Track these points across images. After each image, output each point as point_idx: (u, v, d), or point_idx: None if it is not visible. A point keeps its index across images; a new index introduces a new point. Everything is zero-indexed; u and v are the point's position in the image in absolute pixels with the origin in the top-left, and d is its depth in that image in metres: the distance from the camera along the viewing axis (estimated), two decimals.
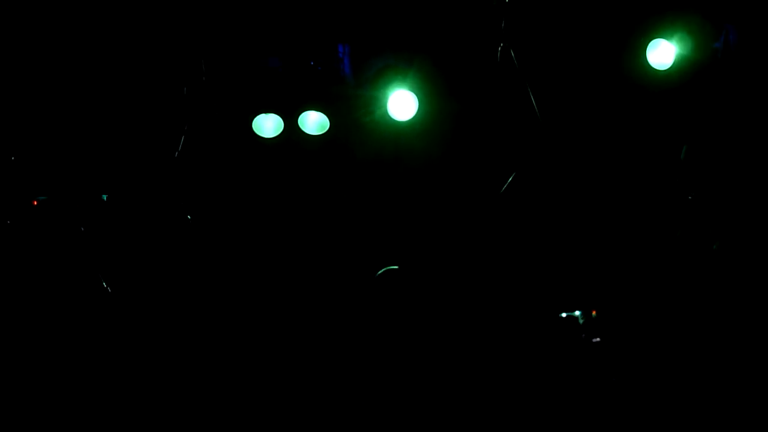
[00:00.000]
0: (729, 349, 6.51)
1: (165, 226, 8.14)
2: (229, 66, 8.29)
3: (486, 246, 8.01)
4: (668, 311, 6.96)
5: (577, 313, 7.11)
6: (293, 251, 8.42)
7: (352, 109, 8.29)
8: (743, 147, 6.93)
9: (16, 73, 8.21)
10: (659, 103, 7.97)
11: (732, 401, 6.52)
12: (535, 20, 7.94)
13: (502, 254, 7.94)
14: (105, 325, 7.60)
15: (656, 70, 7.81)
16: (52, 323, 7.58)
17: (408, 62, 8.12)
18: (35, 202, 8.08)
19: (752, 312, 6.40)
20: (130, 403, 7.36)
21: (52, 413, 7.27)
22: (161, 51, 8.24)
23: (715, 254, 6.32)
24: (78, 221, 8.00)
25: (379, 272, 7.03)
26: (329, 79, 8.29)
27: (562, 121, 8.01)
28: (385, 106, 8.10)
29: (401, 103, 8.11)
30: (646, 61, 7.80)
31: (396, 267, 7.03)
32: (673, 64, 7.77)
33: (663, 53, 7.78)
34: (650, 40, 7.77)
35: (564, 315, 7.17)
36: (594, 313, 7.09)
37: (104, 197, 8.21)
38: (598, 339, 7.01)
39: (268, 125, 8.33)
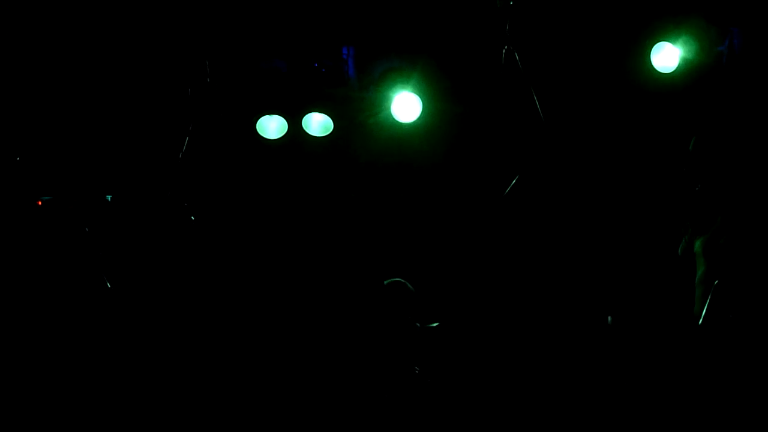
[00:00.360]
0: (736, 346, 6.52)
1: (169, 226, 8.15)
2: (233, 67, 8.30)
3: (490, 249, 8.01)
4: (680, 310, 6.96)
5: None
6: (297, 253, 8.43)
7: (356, 111, 8.30)
8: (747, 151, 6.92)
9: (21, 74, 8.24)
10: (663, 107, 7.97)
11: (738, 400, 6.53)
12: (539, 23, 7.93)
13: (507, 257, 7.94)
14: (108, 325, 7.61)
15: (660, 73, 7.80)
16: (56, 323, 7.60)
17: (412, 64, 8.13)
18: (39, 203, 8.10)
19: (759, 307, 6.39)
20: (133, 403, 7.38)
21: (53, 413, 7.29)
22: (166, 52, 8.26)
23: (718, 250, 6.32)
24: (82, 222, 8.02)
25: (387, 281, 7.03)
26: (333, 81, 8.31)
27: (565, 124, 8.00)
28: (389, 108, 8.10)
29: (405, 106, 8.11)
30: (651, 65, 7.78)
31: (402, 281, 7.02)
32: (678, 67, 7.76)
33: (667, 56, 7.77)
34: (654, 44, 7.76)
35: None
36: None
37: (108, 198, 8.24)
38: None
39: (272, 127, 8.34)
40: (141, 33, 8.19)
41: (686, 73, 7.77)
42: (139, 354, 7.52)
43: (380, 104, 8.16)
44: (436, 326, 7.04)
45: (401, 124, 8.16)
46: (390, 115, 8.13)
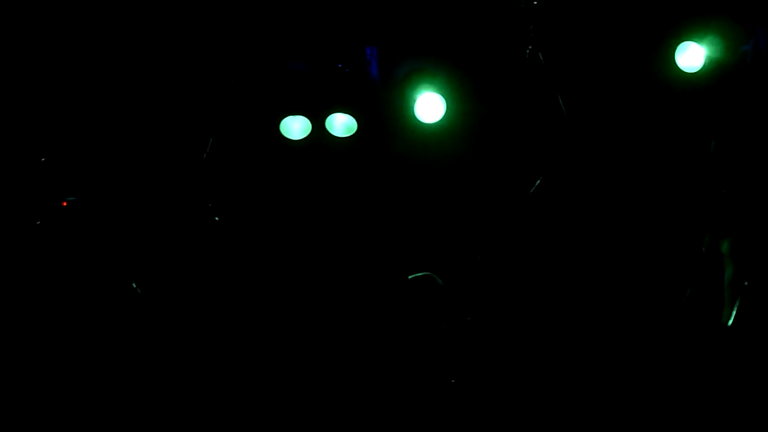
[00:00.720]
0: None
1: (193, 227, 8.17)
2: (256, 68, 8.31)
3: (514, 249, 8.00)
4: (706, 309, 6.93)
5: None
6: (321, 253, 8.43)
7: (379, 112, 8.29)
8: None
9: (47, 76, 8.27)
10: (688, 106, 7.94)
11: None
12: (563, 23, 7.92)
13: (531, 257, 7.93)
14: (132, 325, 7.63)
15: (685, 72, 7.77)
16: (80, 323, 7.63)
17: (435, 65, 8.12)
18: (65, 203, 8.12)
19: None
20: (159, 399, 7.40)
21: (76, 405, 7.31)
22: (190, 54, 8.27)
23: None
24: (106, 222, 8.05)
25: (412, 276, 7.02)
26: (357, 82, 8.30)
27: (590, 123, 7.98)
28: (412, 108, 8.10)
29: (429, 106, 8.10)
30: (675, 64, 7.76)
31: (428, 274, 7.01)
32: (702, 67, 7.73)
33: (692, 56, 7.74)
34: (679, 43, 7.73)
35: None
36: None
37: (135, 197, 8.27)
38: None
39: (295, 127, 8.34)
40: (166, 35, 8.21)
41: (711, 72, 7.74)
42: (162, 351, 7.54)
43: (403, 104, 8.16)
44: (463, 324, 7.04)
45: (425, 124, 8.15)
46: (414, 115, 8.13)
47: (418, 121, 8.13)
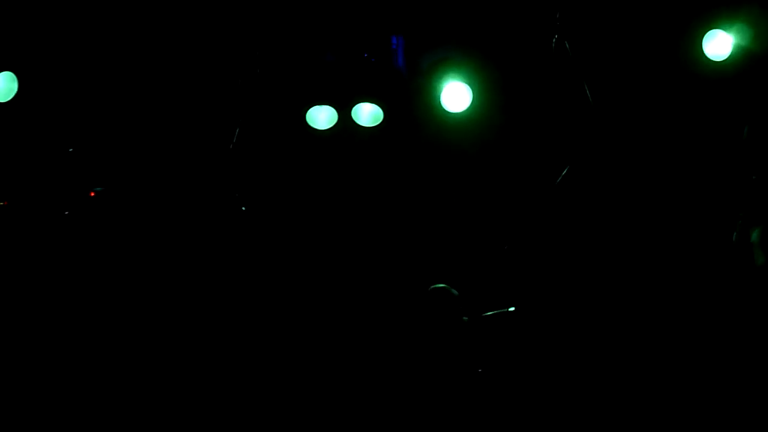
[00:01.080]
0: None
1: (220, 217, 8.19)
2: (283, 58, 8.32)
3: (541, 239, 7.97)
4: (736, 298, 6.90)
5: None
6: (348, 243, 8.45)
7: (405, 101, 8.29)
8: None
9: (75, 65, 8.31)
10: (716, 95, 7.89)
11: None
12: (590, 11, 7.88)
13: (558, 247, 7.90)
14: (160, 313, 7.67)
15: (713, 61, 7.72)
16: (110, 311, 7.67)
17: (461, 54, 8.11)
18: (92, 194, 8.17)
19: None
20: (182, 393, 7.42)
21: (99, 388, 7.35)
22: (217, 44, 8.29)
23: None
24: (133, 213, 8.09)
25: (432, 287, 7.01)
26: (383, 71, 8.30)
27: (617, 112, 7.95)
28: (438, 97, 8.09)
29: (455, 95, 8.10)
30: (703, 53, 7.71)
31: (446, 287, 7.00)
32: (731, 55, 7.68)
33: (720, 44, 7.70)
34: (707, 31, 7.69)
35: None
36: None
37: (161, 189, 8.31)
38: None
39: (321, 117, 8.35)
40: (193, 25, 8.23)
41: (739, 60, 7.69)
42: (192, 341, 7.57)
43: (430, 94, 8.15)
44: (488, 316, 7.02)
45: (451, 113, 8.15)
46: (440, 104, 8.12)
47: (445, 110, 8.13)
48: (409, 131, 8.39)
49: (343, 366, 7.67)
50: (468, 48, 8.14)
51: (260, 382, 7.53)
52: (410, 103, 8.30)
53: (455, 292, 6.89)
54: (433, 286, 6.98)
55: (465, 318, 6.87)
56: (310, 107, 8.32)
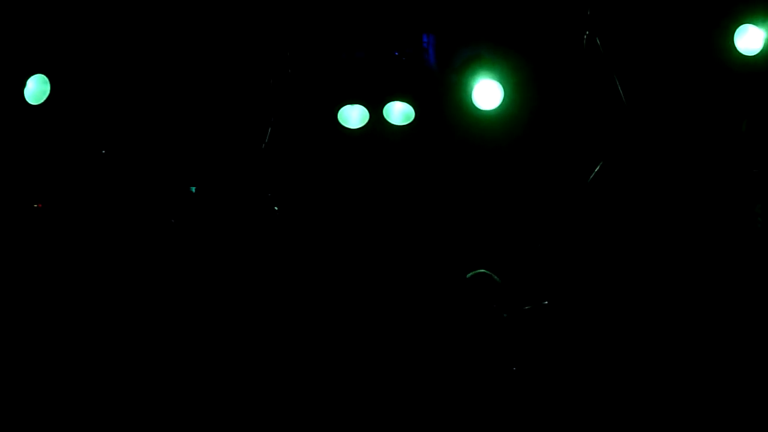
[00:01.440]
0: None
1: (253, 217, 8.21)
2: (314, 57, 8.34)
3: (573, 236, 7.97)
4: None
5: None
6: (380, 242, 8.45)
7: (437, 99, 8.30)
8: None
9: (108, 67, 8.35)
10: (747, 89, 7.87)
11: None
12: (621, 7, 7.88)
13: (590, 243, 7.89)
14: (194, 314, 7.69)
15: (744, 56, 7.70)
16: (143, 311, 7.69)
17: (493, 51, 8.10)
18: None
19: None
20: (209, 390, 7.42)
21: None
22: (248, 44, 8.32)
23: None
24: (168, 213, 8.12)
25: (470, 275, 7.00)
26: (414, 70, 8.31)
27: (648, 108, 7.94)
28: (470, 95, 8.10)
29: (487, 93, 8.10)
30: (734, 47, 7.69)
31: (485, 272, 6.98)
32: (762, 49, 7.66)
33: (752, 39, 7.68)
34: (739, 26, 7.67)
35: None
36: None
37: (192, 189, 8.32)
38: None
39: (353, 116, 8.37)
40: (224, 26, 8.26)
41: None
42: (226, 341, 7.58)
43: (461, 91, 8.16)
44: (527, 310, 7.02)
45: (483, 111, 8.15)
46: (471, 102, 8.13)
47: (476, 108, 8.13)
48: (440, 129, 8.40)
49: (382, 357, 7.67)
50: (499, 45, 8.13)
51: (284, 379, 7.53)
52: (441, 101, 8.30)
53: (497, 278, 6.90)
54: (473, 272, 6.97)
55: (504, 315, 6.88)
56: (342, 106, 8.34)
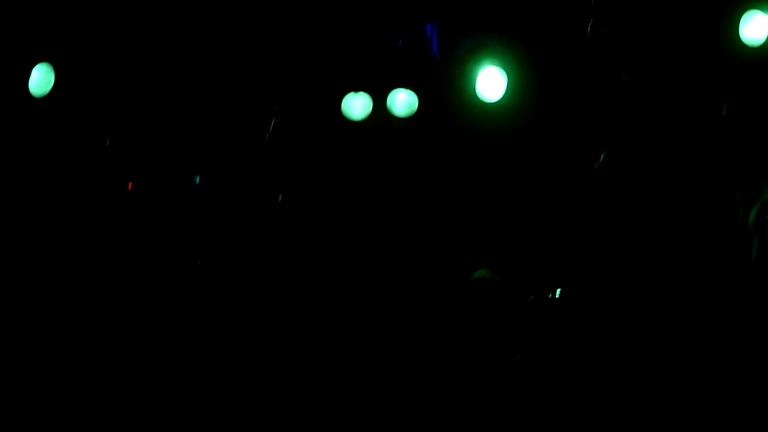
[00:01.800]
0: None
1: (256, 208, 8.22)
2: (317, 47, 8.33)
3: (579, 228, 7.93)
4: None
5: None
6: (385, 233, 8.43)
7: (440, 90, 8.28)
8: None
9: (112, 59, 8.36)
10: (754, 80, 7.80)
11: None
12: None
13: (597, 234, 7.85)
14: (195, 307, 7.69)
15: (749, 45, 7.63)
16: (147, 305, 7.71)
17: (496, 40, 8.07)
18: (129, 186, 8.21)
19: None
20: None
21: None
22: (249, 33, 8.31)
23: None
24: (171, 204, 8.12)
25: (475, 275, 6.96)
26: (418, 60, 8.29)
27: (653, 97, 7.89)
28: (474, 85, 8.07)
29: (490, 82, 8.07)
30: (739, 36, 7.62)
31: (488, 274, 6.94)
32: None
33: (757, 27, 7.60)
34: (744, 13, 7.60)
35: None
36: None
37: (197, 179, 8.32)
38: None
39: (357, 106, 8.35)
40: (225, 15, 8.26)
41: None
42: (231, 336, 7.58)
43: (465, 81, 8.13)
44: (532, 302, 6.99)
45: (486, 101, 8.12)
46: (475, 92, 8.10)
47: (480, 98, 8.10)
48: (444, 120, 8.37)
49: (397, 347, 7.64)
50: (503, 34, 8.09)
51: (287, 378, 7.52)
52: (445, 92, 8.28)
53: (497, 278, 6.86)
54: (474, 276, 6.94)
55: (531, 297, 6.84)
56: (345, 96, 8.32)
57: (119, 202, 8.12)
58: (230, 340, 7.56)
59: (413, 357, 7.29)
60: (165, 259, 7.92)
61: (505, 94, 8.06)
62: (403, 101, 8.28)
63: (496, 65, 8.02)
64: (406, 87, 8.24)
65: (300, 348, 7.64)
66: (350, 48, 8.33)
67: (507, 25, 8.10)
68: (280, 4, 8.22)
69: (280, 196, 8.18)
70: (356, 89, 8.28)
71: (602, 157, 7.61)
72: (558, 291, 7.30)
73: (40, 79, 8.12)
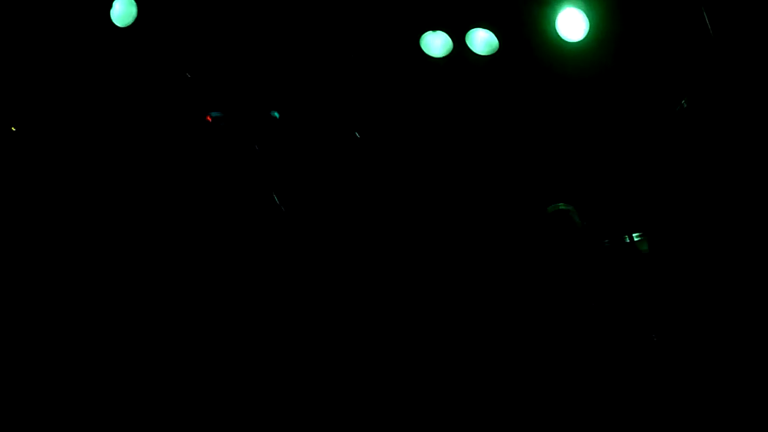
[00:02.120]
0: None
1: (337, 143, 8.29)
2: None
3: (660, 172, 7.86)
4: None
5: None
6: (463, 169, 8.45)
7: (521, 29, 8.23)
8: None
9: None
10: None
11: None
12: None
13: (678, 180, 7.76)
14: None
15: None
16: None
17: None
18: (209, 118, 8.29)
19: None
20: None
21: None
22: None
23: None
24: (253, 139, 8.21)
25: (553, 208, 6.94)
26: None
27: (737, 40, 7.79)
28: (554, 25, 8.02)
29: (571, 23, 8.01)
30: None
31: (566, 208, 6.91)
32: None
33: None
34: None
35: None
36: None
37: (275, 114, 8.40)
38: None
39: (436, 44, 8.34)
40: None
41: None
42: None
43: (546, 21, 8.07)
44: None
45: (567, 41, 8.07)
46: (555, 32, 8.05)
47: (561, 38, 8.05)
48: (524, 59, 8.33)
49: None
50: None
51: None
52: (526, 31, 8.23)
53: (578, 220, 6.85)
54: (554, 207, 6.89)
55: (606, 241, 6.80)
56: (425, 34, 8.32)
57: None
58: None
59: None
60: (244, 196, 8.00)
61: (585, 34, 8.01)
62: (483, 40, 8.25)
63: (577, 6, 7.96)
64: (487, 26, 8.21)
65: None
66: None
67: None
68: None
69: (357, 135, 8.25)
70: (436, 28, 8.26)
71: (684, 102, 7.57)
72: (635, 235, 7.31)
73: (123, 11, 8.20)
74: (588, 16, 7.95)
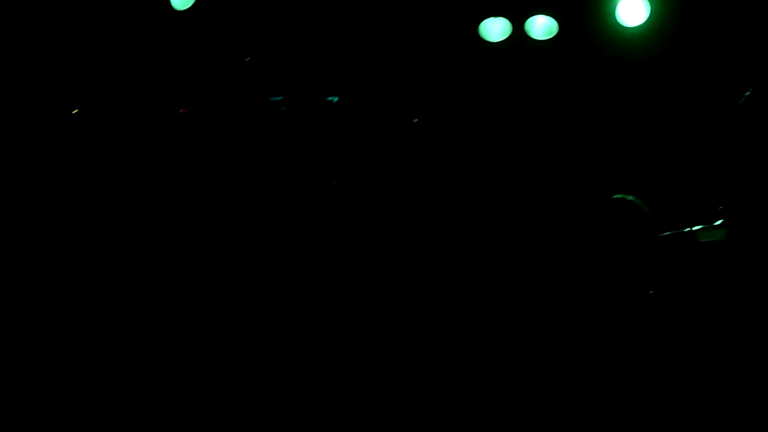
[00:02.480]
0: None
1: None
2: None
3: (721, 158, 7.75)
4: None
5: None
6: (519, 155, 8.41)
7: (581, 14, 8.17)
8: None
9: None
10: None
11: None
12: None
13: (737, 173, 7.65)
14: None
15: None
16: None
17: None
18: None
19: None
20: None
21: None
22: None
23: None
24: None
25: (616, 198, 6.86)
26: None
27: None
28: (614, 11, 7.96)
29: (632, 9, 7.94)
30: None
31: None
32: None
33: None
34: None
35: None
36: None
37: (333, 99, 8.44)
38: None
39: (495, 29, 8.31)
40: None
41: None
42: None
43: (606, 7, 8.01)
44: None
45: (627, 27, 8.01)
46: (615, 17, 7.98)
47: (621, 24, 7.99)
48: (584, 45, 8.26)
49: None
50: None
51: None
52: (585, 17, 8.16)
53: (646, 208, 6.75)
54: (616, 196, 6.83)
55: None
56: (484, 19, 8.28)
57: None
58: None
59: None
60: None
61: (646, 20, 7.93)
62: (542, 25, 8.21)
63: None
64: (546, 11, 8.16)
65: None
66: None
67: None
68: None
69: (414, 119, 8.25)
70: (495, 12, 8.22)
71: (749, 92, 7.44)
72: (696, 227, 7.20)
73: None
74: (648, 1, 7.88)
